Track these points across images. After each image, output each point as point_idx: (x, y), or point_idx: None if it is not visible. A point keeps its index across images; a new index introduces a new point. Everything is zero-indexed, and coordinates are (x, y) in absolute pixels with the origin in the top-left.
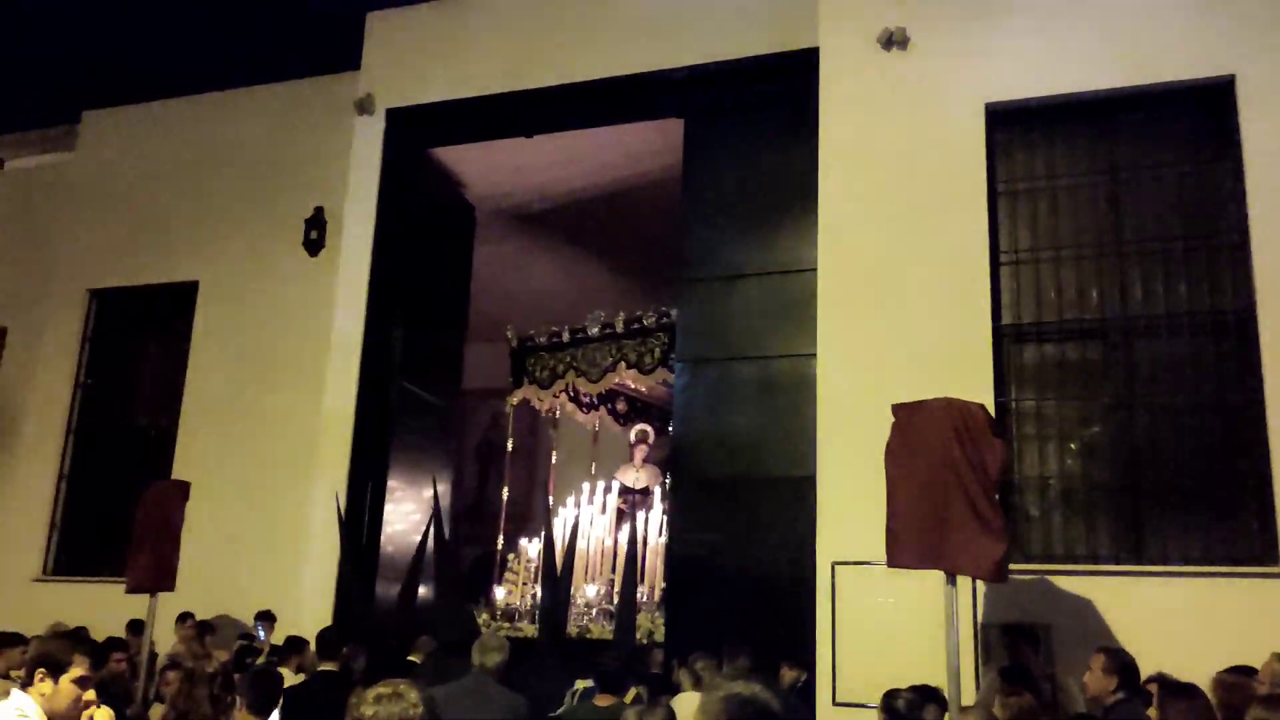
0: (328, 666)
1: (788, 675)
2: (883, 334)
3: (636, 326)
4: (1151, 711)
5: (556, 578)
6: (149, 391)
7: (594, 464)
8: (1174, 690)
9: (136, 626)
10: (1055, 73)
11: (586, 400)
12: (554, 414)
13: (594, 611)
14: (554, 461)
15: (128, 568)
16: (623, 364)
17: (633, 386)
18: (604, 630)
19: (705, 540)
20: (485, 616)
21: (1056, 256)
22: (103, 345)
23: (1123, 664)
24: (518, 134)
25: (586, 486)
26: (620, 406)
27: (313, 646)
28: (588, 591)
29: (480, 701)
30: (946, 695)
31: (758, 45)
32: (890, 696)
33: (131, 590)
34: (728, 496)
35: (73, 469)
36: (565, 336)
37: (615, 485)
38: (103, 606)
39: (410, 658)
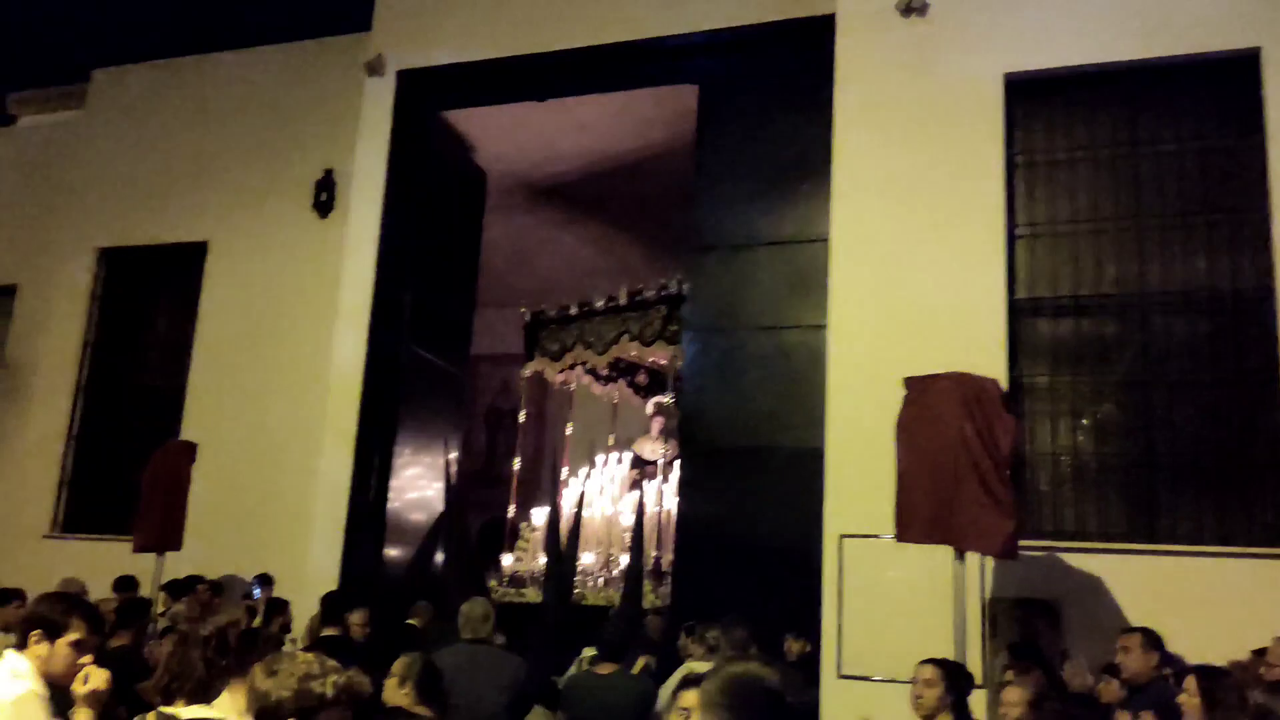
0: (330, 631)
1: (793, 647)
2: (895, 306)
3: (638, 299)
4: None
5: (560, 545)
6: (158, 350)
7: (612, 436)
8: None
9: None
10: (1076, 43)
11: (604, 374)
12: (569, 386)
13: (596, 579)
14: (569, 432)
15: (135, 527)
16: (625, 336)
17: (649, 360)
18: (599, 598)
19: (713, 510)
20: (494, 583)
21: (1074, 230)
22: (112, 304)
23: (1159, 640)
24: (530, 98)
25: (601, 458)
26: (641, 379)
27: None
28: (585, 559)
29: (480, 664)
30: None
31: (775, 11)
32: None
33: (139, 549)
34: (736, 467)
35: (82, 427)
36: (574, 310)
37: (628, 456)
38: (110, 564)
39: (410, 621)
